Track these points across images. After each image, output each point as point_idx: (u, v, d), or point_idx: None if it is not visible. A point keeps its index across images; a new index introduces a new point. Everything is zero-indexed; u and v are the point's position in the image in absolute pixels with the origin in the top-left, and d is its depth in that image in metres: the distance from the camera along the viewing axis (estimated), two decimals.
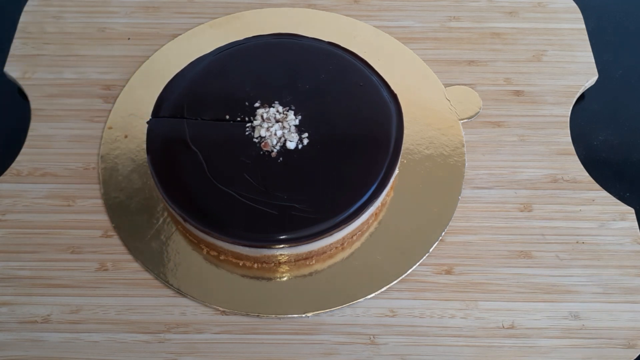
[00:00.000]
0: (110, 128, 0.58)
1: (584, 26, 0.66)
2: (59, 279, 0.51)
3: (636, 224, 0.54)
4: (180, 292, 0.50)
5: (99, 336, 0.49)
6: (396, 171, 0.54)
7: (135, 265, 0.52)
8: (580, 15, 0.66)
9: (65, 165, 0.56)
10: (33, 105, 0.60)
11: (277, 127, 0.53)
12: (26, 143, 0.58)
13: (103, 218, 0.54)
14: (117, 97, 0.60)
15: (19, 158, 0.57)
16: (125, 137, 0.58)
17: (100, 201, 0.55)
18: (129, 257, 0.52)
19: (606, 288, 0.51)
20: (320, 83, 0.56)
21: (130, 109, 0.59)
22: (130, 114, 0.59)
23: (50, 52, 0.64)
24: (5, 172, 0.56)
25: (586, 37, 0.65)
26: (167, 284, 0.51)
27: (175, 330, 0.49)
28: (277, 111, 0.54)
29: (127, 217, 0.54)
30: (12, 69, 0.62)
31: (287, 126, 0.53)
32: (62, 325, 0.49)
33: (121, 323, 0.49)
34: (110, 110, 0.60)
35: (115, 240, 0.53)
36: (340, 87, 0.56)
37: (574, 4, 0.67)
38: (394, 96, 0.56)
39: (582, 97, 0.63)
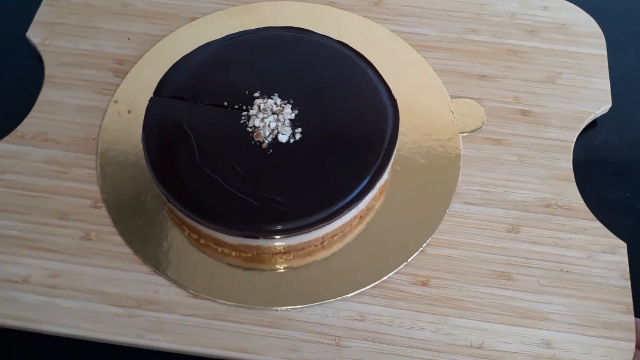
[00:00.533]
0: (115, 102, 0.60)
1: (605, 53, 0.64)
2: (44, 243, 0.52)
3: (626, 259, 0.52)
4: (155, 271, 0.51)
5: (73, 303, 0.50)
6: (385, 177, 0.54)
7: (118, 238, 0.53)
8: (603, 41, 0.65)
9: (68, 133, 0.58)
10: (47, 71, 0.62)
11: (272, 119, 0.53)
12: (35, 107, 0.59)
13: (94, 189, 0.55)
14: (128, 72, 0.62)
15: (25, 121, 0.58)
16: (129, 112, 0.59)
17: (94, 172, 0.56)
18: (114, 230, 0.53)
19: (584, 320, 0.50)
20: (322, 81, 0.56)
21: (138, 85, 0.61)
22: (137, 90, 0.60)
23: (72, 22, 0.65)
24: (10, 134, 0.58)
25: (606, 64, 0.63)
26: (144, 260, 0.51)
27: (146, 307, 0.50)
28: (275, 103, 0.54)
29: (117, 191, 0.55)
30: (33, 34, 0.64)
31: (282, 119, 0.53)
32: (40, 288, 0.50)
33: (96, 293, 0.50)
34: (118, 85, 0.61)
35: (103, 212, 0.54)
36: (342, 87, 0.56)
37: (599, 29, 0.65)
38: (393, 102, 0.55)
39: (594, 124, 0.62)
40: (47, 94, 0.60)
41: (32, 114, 0.59)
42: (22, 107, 0.60)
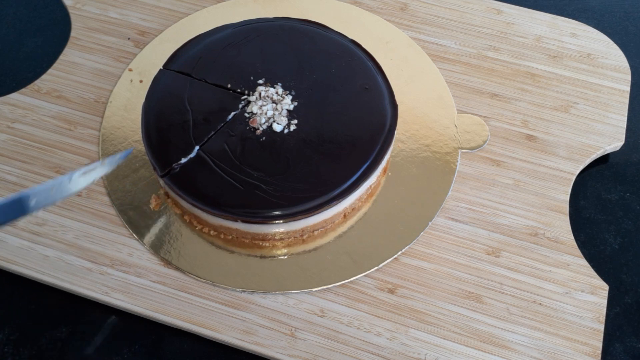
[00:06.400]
0: (130, 70, 0.62)
1: (628, 89, 0.62)
2: None
3: (605, 301, 0.51)
4: (133, 235, 0.53)
5: (52, 252, 0.52)
6: (373, 180, 0.54)
7: (106, 199, 0.55)
8: (628, 78, 0.62)
9: (80, 93, 0.61)
10: (73, 33, 0.65)
11: (270, 108, 0.54)
12: (54, 65, 0.62)
13: (94, 149, 0.57)
14: (147, 44, 0.64)
15: (43, 77, 0.61)
16: (140, 81, 0.61)
17: (97, 133, 0.58)
18: (104, 190, 0.55)
19: (547, 356, 0.48)
20: (327, 76, 0.56)
21: (155, 57, 0.62)
22: (153, 62, 0.62)
23: None
24: (28, 86, 0.61)
25: (626, 100, 0.61)
26: (125, 223, 0.53)
27: (118, 267, 0.51)
28: (277, 92, 0.55)
29: (114, 154, 0.57)
30: None
31: (280, 109, 0.54)
32: (24, 233, 0.53)
33: (74, 247, 0.52)
34: (136, 55, 0.63)
35: None
36: (346, 85, 0.56)
37: (627, 65, 0.63)
38: (394, 107, 0.55)
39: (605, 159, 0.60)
40: (68, 54, 0.63)
41: (51, 71, 0.62)
42: (44, 62, 0.64)
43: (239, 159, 0.52)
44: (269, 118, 0.54)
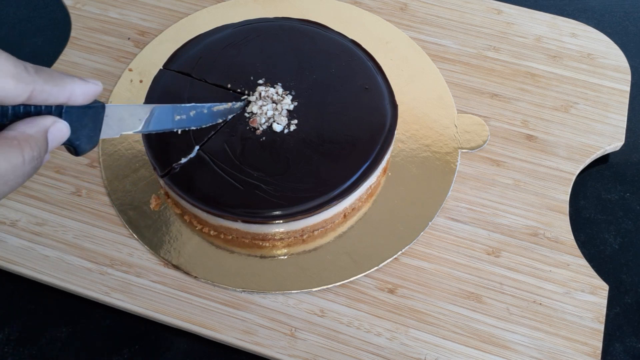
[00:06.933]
0: (130, 70, 0.62)
1: (628, 89, 0.62)
2: (37, 192, 0.55)
3: (605, 301, 0.51)
4: (133, 235, 0.53)
5: (52, 252, 0.52)
6: (373, 180, 0.54)
7: (106, 199, 0.55)
8: (628, 78, 0.62)
9: None
10: (73, 33, 0.65)
11: (270, 108, 0.54)
12: (54, 65, 0.62)
13: (94, 150, 0.57)
14: (147, 44, 0.64)
15: None
16: (140, 81, 0.61)
17: None
18: (103, 190, 0.55)
19: (547, 356, 0.48)
20: (327, 76, 0.56)
21: (155, 57, 0.62)
22: (153, 62, 0.62)
23: None
24: None
25: (626, 100, 0.61)
26: (125, 223, 0.53)
27: (118, 267, 0.51)
28: (277, 92, 0.55)
29: (115, 155, 0.57)
30: None
31: (280, 109, 0.54)
32: (24, 233, 0.53)
33: (74, 247, 0.52)
34: (136, 55, 0.63)
35: (97, 172, 0.56)
36: (346, 85, 0.56)
37: (627, 64, 0.63)
38: (394, 106, 0.55)
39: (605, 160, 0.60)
40: (68, 54, 0.63)
41: None
42: (44, 63, 0.63)
43: (239, 159, 0.52)
44: (269, 118, 0.54)
